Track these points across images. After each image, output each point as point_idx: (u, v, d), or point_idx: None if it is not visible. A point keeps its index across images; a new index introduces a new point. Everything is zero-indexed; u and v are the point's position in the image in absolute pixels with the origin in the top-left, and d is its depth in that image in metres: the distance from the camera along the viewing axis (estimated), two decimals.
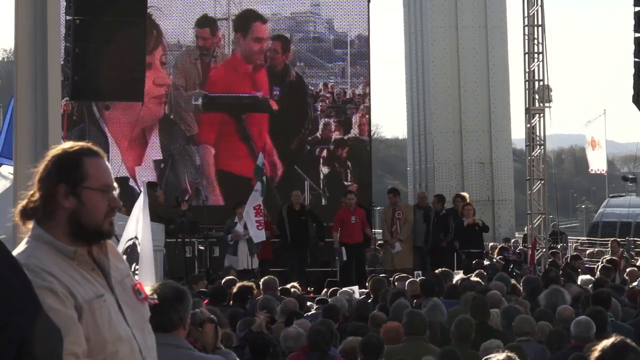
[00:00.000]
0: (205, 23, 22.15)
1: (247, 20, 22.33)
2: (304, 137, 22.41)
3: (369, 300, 12.23)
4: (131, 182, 21.20)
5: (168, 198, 20.06)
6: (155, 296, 3.95)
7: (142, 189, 7.44)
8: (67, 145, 3.61)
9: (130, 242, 6.73)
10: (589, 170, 36.41)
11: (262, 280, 13.05)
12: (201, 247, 19.22)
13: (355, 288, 13.77)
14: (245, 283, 12.06)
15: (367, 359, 7.97)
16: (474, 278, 13.42)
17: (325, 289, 14.49)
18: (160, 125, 21.94)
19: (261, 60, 22.33)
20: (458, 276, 14.16)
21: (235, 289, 11.65)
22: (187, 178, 20.94)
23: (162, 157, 21.89)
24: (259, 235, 18.08)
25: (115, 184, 3.63)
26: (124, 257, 5.05)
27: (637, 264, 19.62)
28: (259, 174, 18.72)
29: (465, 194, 21.22)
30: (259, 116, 22.28)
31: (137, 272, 6.65)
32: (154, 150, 21.91)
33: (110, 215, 3.60)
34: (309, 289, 17.65)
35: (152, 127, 21.92)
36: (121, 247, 6.72)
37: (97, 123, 21.71)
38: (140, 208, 6.63)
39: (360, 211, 19.63)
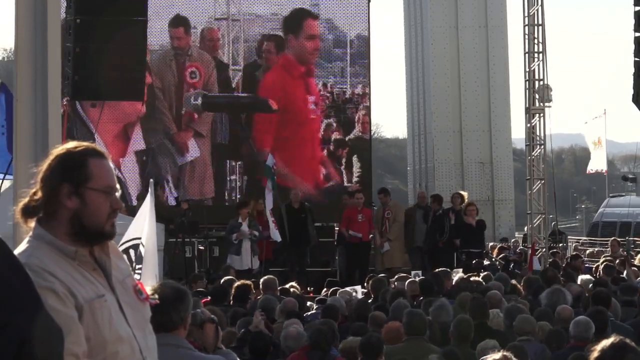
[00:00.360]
0: (179, 23, 22.05)
1: (298, 19, 22.21)
2: None
3: (369, 300, 12.22)
4: (117, 173, 21.20)
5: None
6: (156, 296, 3.95)
7: (149, 189, 7.44)
8: (71, 145, 3.59)
9: (133, 242, 6.73)
10: (588, 170, 36.39)
11: (261, 280, 13.03)
12: (201, 247, 19.23)
13: (358, 288, 13.71)
14: (243, 282, 12.02)
15: (367, 358, 7.96)
16: (478, 278, 13.41)
17: (325, 289, 14.47)
18: (141, 122, 21.93)
19: (315, 60, 22.27)
20: (457, 275, 14.15)
21: (233, 289, 11.63)
22: (169, 169, 21.01)
23: (144, 148, 21.89)
24: (276, 235, 18.16)
25: (117, 186, 3.63)
26: (125, 256, 5.04)
27: (636, 262, 19.63)
28: (268, 173, 18.76)
29: (464, 192, 21.18)
30: (312, 120, 22.20)
31: (139, 272, 6.65)
32: (137, 144, 21.92)
33: (112, 216, 3.59)
34: (308, 288, 17.63)
35: (134, 124, 21.93)
36: (122, 246, 6.72)
37: (81, 119, 21.65)
38: (147, 209, 6.63)
39: (367, 211, 19.65)
